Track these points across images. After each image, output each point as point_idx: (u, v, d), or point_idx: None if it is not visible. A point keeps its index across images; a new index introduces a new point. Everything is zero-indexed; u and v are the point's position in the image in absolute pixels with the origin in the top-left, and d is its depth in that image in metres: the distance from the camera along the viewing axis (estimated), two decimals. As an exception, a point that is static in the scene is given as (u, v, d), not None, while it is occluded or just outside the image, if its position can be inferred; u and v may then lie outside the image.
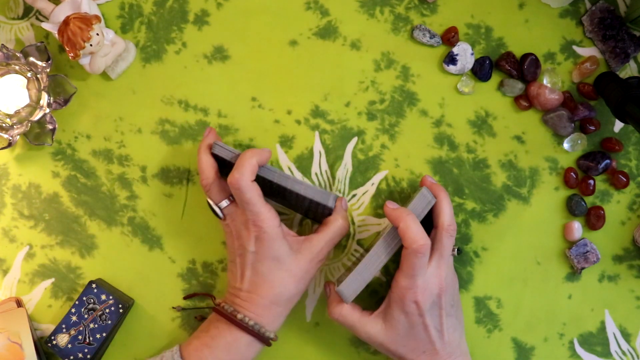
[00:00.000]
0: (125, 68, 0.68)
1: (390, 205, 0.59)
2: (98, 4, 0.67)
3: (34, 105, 0.64)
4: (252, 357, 0.61)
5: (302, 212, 0.66)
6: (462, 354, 0.61)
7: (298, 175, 0.67)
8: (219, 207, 0.61)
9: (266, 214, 0.59)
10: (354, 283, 0.59)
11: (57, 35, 0.62)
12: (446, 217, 0.60)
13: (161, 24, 0.68)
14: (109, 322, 0.64)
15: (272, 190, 0.63)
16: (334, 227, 0.62)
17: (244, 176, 0.57)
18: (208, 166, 0.61)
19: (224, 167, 0.62)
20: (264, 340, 0.60)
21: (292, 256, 0.60)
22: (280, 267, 0.60)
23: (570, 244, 0.67)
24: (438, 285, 0.58)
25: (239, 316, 0.59)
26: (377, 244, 0.59)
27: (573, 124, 0.66)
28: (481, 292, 0.67)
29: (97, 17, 0.62)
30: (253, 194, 0.58)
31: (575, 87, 0.67)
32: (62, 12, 0.63)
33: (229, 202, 0.61)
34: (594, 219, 0.66)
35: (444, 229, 0.59)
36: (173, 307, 0.67)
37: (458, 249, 0.62)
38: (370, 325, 0.60)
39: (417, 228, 0.56)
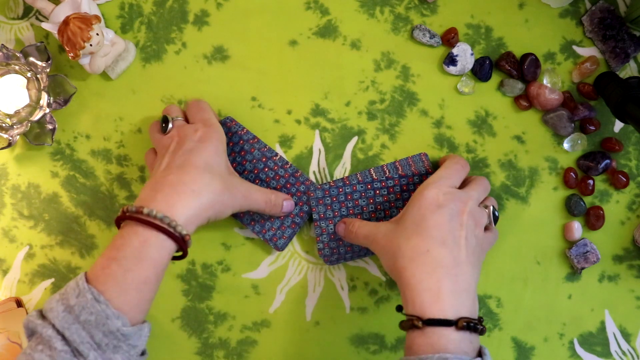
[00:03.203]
0: (125, 68, 0.68)
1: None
2: (98, 4, 0.67)
3: (34, 105, 0.64)
4: (166, 262, 0.53)
5: None
6: (472, 298, 0.53)
7: None
8: (172, 118, 0.62)
9: (219, 127, 0.62)
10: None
11: (57, 35, 0.62)
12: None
13: (161, 24, 0.68)
14: (109, 322, 0.64)
15: None
16: (272, 199, 0.63)
17: (205, 102, 0.65)
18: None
19: None
20: (176, 238, 0.52)
21: (227, 172, 0.59)
22: (212, 171, 0.57)
23: (570, 244, 0.67)
24: (460, 202, 0.56)
25: (146, 210, 0.52)
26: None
27: (573, 124, 0.66)
28: (481, 291, 0.67)
29: (97, 17, 0.62)
30: (211, 111, 0.64)
31: (575, 87, 0.67)
32: (62, 12, 0.63)
33: (182, 119, 0.63)
34: (593, 218, 0.66)
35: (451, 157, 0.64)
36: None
37: (493, 209, 0.60)
38: (384, 226, 0.58)
39: None
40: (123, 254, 0.51)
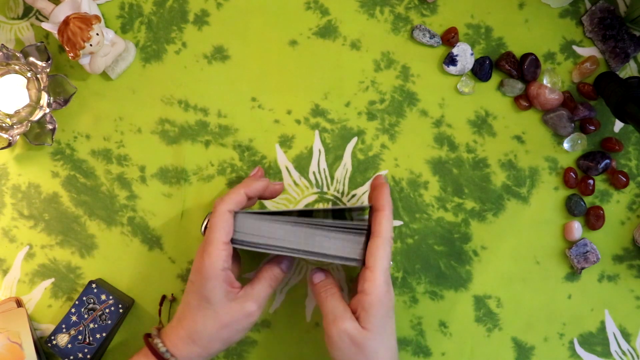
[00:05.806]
0: (125, 68, 0.68)
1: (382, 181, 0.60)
2: (98, 4, 0.67)
3: (34, 105, 0.64)
4: None
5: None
6: None
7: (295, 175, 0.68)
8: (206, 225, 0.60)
9: (215, 250, 0.56)
10: None
11: (57, 35, 0.62)
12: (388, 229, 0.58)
13: (161, 24, 0.68)
14: (109, 322, 0.64)
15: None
16: (270, 276, 0.60)
17: (225, 202, 0.57)
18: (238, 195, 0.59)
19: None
20: None
21: (224, 302, 0.57)
22: (207, 307, 0.57)
23: (570, 243, 0.67)
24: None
25: (155, 340, 0.58)
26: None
27: (573, 124, 0.66)
28: (480, 291, 0.67)
29: (97, 17, 0.62)
30: (220, 221, 0.57)
31: (575, 87, 0.67)
32: (62, 12, 0.63)
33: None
34: (593, 218, 0.66)
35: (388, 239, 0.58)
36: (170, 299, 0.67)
37: None
38: (349, 324, 0.56)
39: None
40: None
